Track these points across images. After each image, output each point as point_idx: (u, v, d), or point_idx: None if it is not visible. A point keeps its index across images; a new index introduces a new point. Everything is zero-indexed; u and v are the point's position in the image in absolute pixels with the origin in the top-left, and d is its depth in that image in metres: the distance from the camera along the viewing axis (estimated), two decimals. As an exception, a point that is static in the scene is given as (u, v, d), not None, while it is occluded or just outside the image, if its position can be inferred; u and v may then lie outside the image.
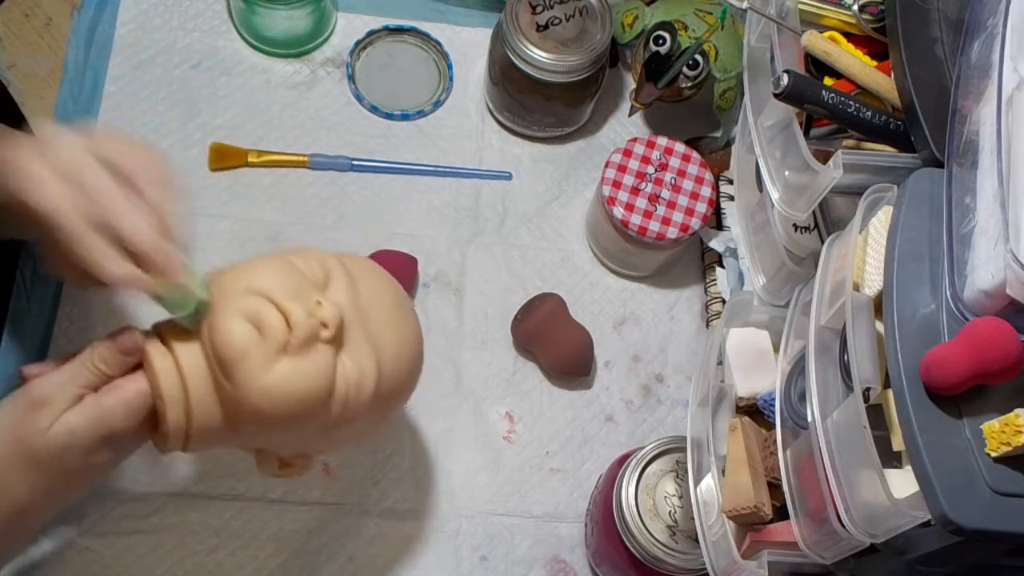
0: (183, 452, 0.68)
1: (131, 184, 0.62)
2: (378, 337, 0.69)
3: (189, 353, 0.65)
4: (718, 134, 1.06)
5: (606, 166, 0.96)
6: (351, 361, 0.67)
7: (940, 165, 0.65)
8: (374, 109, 1.05)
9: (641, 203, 0.94)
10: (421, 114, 1.06)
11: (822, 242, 0.73)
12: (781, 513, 0.72)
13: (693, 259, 1.05)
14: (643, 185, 0.95)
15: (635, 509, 0.80)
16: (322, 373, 0.65)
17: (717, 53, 0.98)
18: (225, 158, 1.00)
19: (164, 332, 0.66)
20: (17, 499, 0.64)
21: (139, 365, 0.65)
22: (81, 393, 0.63)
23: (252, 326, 0.63)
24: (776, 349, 0.80)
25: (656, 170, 0.96)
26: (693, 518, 0.77)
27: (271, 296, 0.64)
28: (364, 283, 0.71)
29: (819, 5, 0.77)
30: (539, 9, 0.97)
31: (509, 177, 1.05)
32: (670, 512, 0.81)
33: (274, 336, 0.63)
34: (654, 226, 0.94)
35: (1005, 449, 0.54)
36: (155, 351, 0.65)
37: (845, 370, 0.63)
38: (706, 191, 0.96)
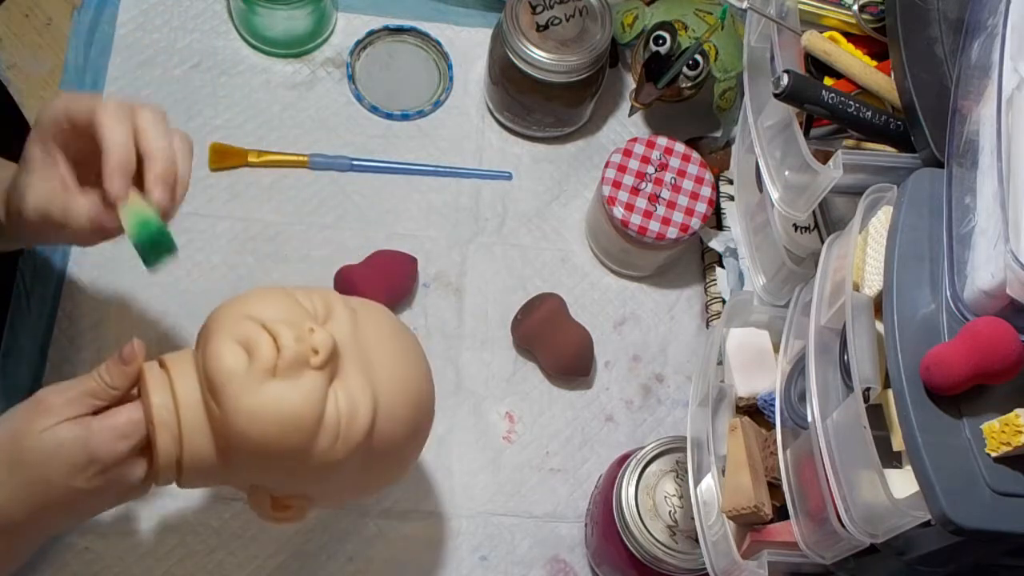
0: (179, 486, 0.67)
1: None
2: (378, 375, 0.68)
3: (185, 381, 0.65)
4: (718, 134, 1.06)
5: (606, 166, 0.96)
6: (344, 392, 0.65)
7: (940, 165, 0.65)
8: (374, 109, 1.05)
9: (641, 203, 0.94)
10: (421, 114, 1.06)
11: (822, 242, 0.73)
12: (781, 513, 0.72)
13: (693, 259, 1.05)
14: (643, 185, 0.95)
15: (635, 509, 0.80)
16: (310, 397, 0.64)
17: (717, 53, 0.98)
18: (225, 158, 1.00)
19: (165, 361, 0.66)
20: None
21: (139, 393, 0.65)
22: (83, 409, 0.63)
23: (243, 349, 0.64)
24: (776, 349, 0.80)
25: (656, 170, 0.96)
26: (693, 518, 0.77)
27: (263, 321, 0.65)
28: (370, 322, 0.71)
29: (819, 5, 0.77)
30: (539, 9, 0.97)
31: (509, 177, 1.05)
32: (670, 512, 0.81)
33: (263, 359, 0.63)
34: (654, 226, 0.94)
35: (1005, 449, 0.54)
36: (152, 374, 0.65)
37: (845, 370, 0.63)
38: (706, 191, 0.96)
